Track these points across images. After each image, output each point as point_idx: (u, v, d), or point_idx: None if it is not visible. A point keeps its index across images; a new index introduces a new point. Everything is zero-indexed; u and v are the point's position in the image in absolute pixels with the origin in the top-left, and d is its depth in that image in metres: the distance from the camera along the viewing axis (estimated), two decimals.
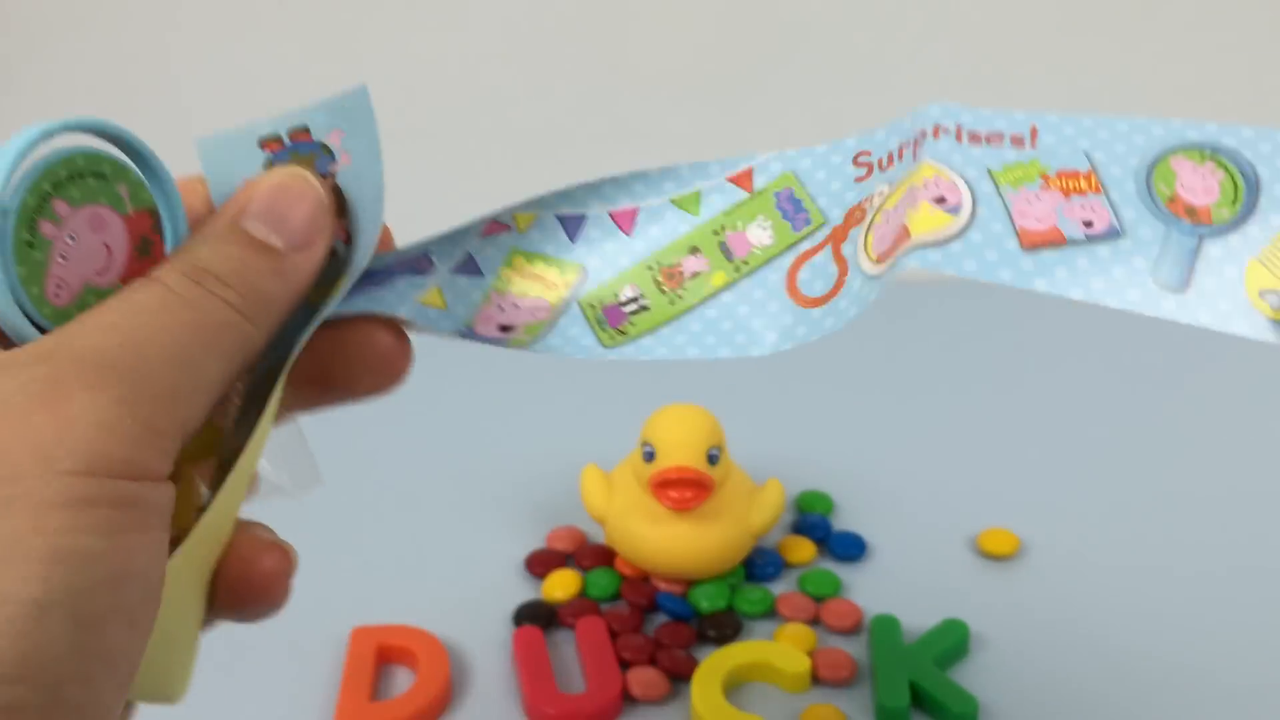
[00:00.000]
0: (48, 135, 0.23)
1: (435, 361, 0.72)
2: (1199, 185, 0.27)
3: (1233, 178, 0.27)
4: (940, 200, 0.28)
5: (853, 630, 0.49)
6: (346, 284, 0.27)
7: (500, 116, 0.80)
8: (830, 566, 0.53)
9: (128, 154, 0.25)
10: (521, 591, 0.52)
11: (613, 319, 0.30)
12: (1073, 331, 0.74)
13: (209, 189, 0.27)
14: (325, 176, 0.27)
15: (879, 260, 0.29)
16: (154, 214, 0.26)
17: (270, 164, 0.27)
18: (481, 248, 0.31)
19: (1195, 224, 0.27)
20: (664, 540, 0.49)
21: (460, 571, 0.53)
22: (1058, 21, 0.76)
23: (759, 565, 0.52)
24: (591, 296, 0.30)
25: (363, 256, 0.27)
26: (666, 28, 0.77)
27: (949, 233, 0.28)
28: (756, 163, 0.30)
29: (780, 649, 0.47)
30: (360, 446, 0.62)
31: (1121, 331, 0.74)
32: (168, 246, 0.26)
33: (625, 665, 0.47)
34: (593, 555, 0.53)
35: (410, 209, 0.86)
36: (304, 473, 0.30)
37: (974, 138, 0.28)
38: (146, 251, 0.26)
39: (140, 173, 0.26)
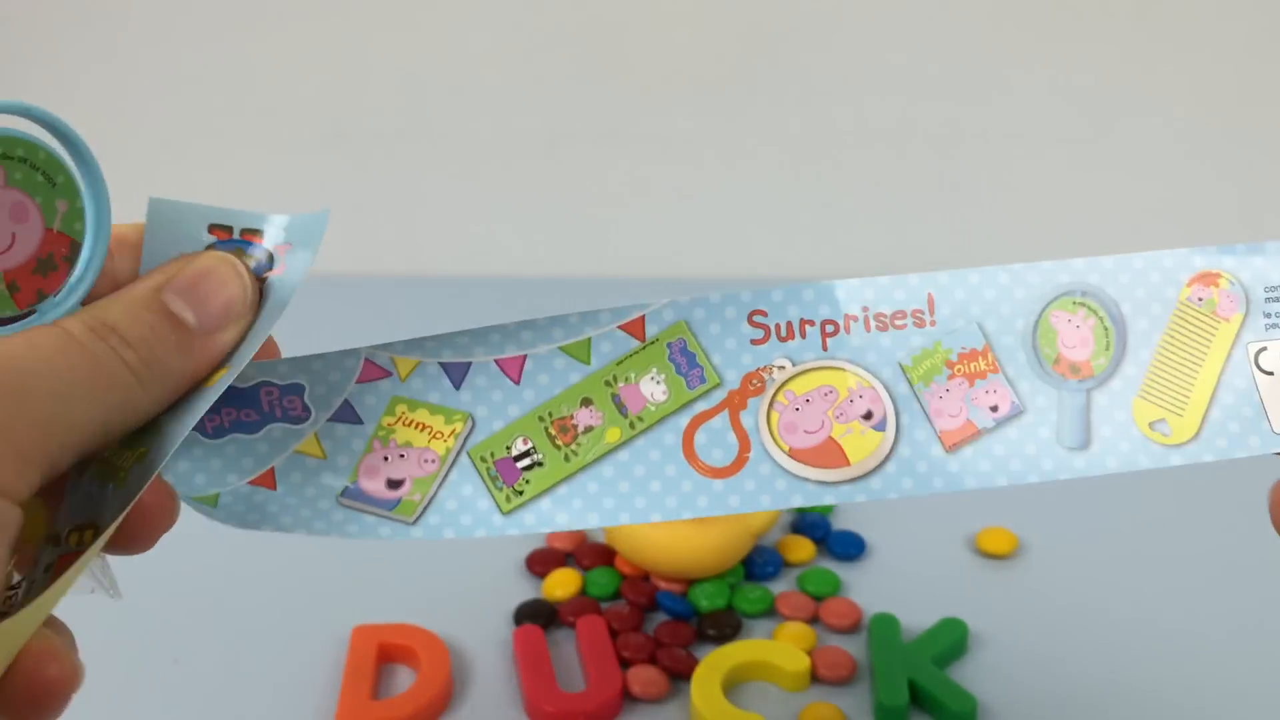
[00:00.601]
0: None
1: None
2: (1076, 340, 0.29)
3: (1102, 322, 0.29)
4: (868, 416, 0.30)
5: (852, 629, 0.49)
6: (226, 377, 0.27)
7: (500, 116, 0.80)
8: (829, 565, 0.53)
9: (76, 159, 0.26)
10: (522, 590, 0.52)
11: (507, 476, 0.29)
12: None
13: (143, 246, 0.27)
14: (257, 277, 0.28)
15: (804, 462, 0.30)
16: (74, 246, 0.26)
17: (210, 249, 0.27)
18: (359, 395, 0.30)
19: (1080, 380, 0.29)
20: (664, 539, 0.49)
21: (461, 570, 0.53)
22: (1057, 22, 0.76)
23: (758, 564, 0.52)
24: (481, 448, 0.30)
25: (245, 355, 0.27)
26: (666, 28, 0.77)
27: (883, 454, 0.29)
28: (649, 310, 0.30)
29: (780, 648, 0.47)
30: None
31: None
32: (75, 273, 0.26)
33: (625, 664, 0.47)
34: (593, 554, 0.53)
35: (410, 209, 0.87)
36: (111, 582, 0.29)
37: (880, 322, 0.31)
38: (44, 270, 0.26)
39: (82, 187, 0.26)
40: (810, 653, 0.47)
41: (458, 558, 0.54)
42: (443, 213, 0.83)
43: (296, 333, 0.83)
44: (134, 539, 0.27)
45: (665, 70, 0.78)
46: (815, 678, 0.47)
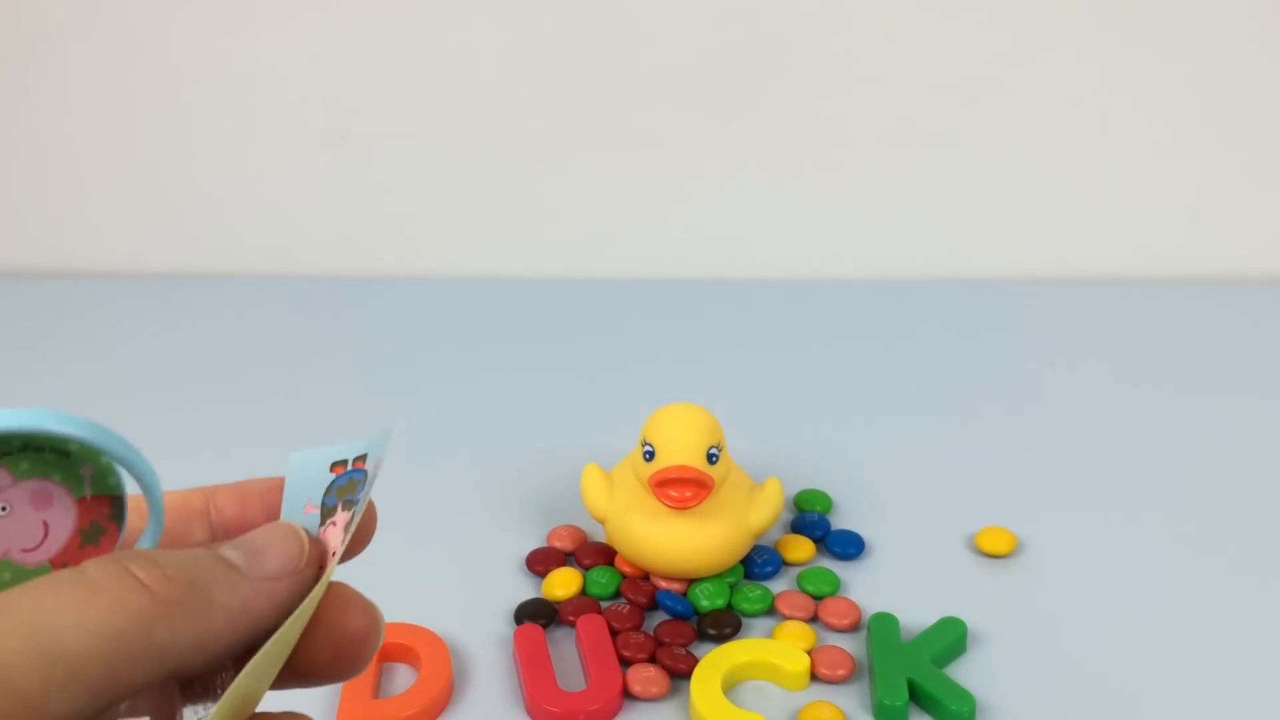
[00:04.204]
0: (20, 429, 0.22)
1: (435, 361, 0.72)
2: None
3: None
4: None
5: (851, 628, 0.49)
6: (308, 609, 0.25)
7: (500, 117, 0.80)
8: (829, 565, 0.53)
9: (120, 462, 0.24)
10: (522, 590, 0.52)
11: None
12: (1071, 331, 0.74)
13: (284, 496, 0.27)
14: (350, 504, 0.27)
15: None
16: (114, 501, 0.24)
17: (333, 486, 0.27)
18: None
19: None
20: (664, 539, 0.49)
21: (461, 570, 0.53)
22: (1056, 21, 0.76)
23: (758, 563, 0.52)
24: None
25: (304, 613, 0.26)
26: (667, 28, 0.77)
27: None
28: None
29: (779, 647, 0.47)
30: None
31: (1119, 331, 0.74)
32: (145, 534, 0.25)
33: (625, 663, 0.47)
34: (593, 554, 0.53)
35: (411, 209, 0.87)
36: None
37: None
38: (93, 539, 0.24)
39: (121, 469, 0.24)
40: (810, 652, 0.47)
41: (458, 558, 0.54)
42: (443, 213, 0.83)
43: (297, 332, 0.83)
44: (344, 666, 0.26)
45: (666, 70, 0.78)
46: (815, 677, 0.47)
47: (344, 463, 0.28)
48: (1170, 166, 0.79)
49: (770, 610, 0.50)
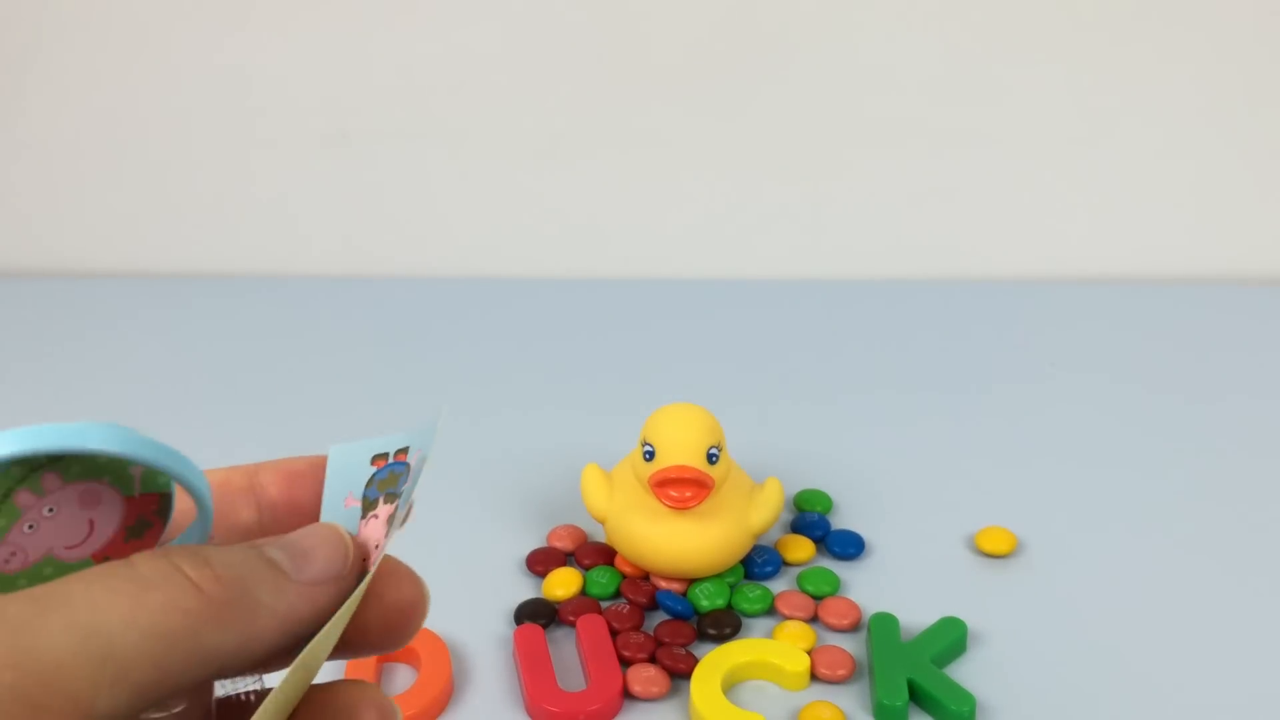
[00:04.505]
0: (70, 451, 0.22)
1: (435, 361, 0.72)
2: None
3: None
4: None
5: (851, 628, 0.49)
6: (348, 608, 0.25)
7: (501, 117, 0.80)
8: (829, 565, 0.53)
9: (169, 474, 0.23)
10: (522, 590, 0.52)
11: None
12: (1071, 331, 0.74)
13: (325, 489, 0.27)
14: (392, 497, 0.27)
15: None
16: (163, 497, 0.24)
17: (374, 479, 0.27)
18: None
19: None
20: (664, 539, 0.49)
21: (461, 570, 0.53)
22: (1055, 21, 0.76)
23: (758, 563, 0.52)
24: None
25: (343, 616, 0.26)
26: (667, 28, 0.77)
27: None
28: None
29: (779, 647, 0.47)
30: None
31: (1119, 331, 0.74)
32: (192, 526, 0.25)
33: (625, 663, 0.47)
34: (593, 554, 0.53)
35: (411, 209, 0.87)
36: None
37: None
38: (139, 533, 0.24)
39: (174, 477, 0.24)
40: (810, 652, 0.47)
41: (458, 558, 0.54)
42: (443, 213, 0.83)
43: (297, 333, 0.83)
44: (393, 637, 0.26)
45: (666, 71, 0.78)
46: (815, 677, 0.47)
47: (385, 455, 0.27)
48: (1170, 166, 0.79)
49: (770, 610, 0.50)
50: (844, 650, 0.47)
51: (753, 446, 0.58)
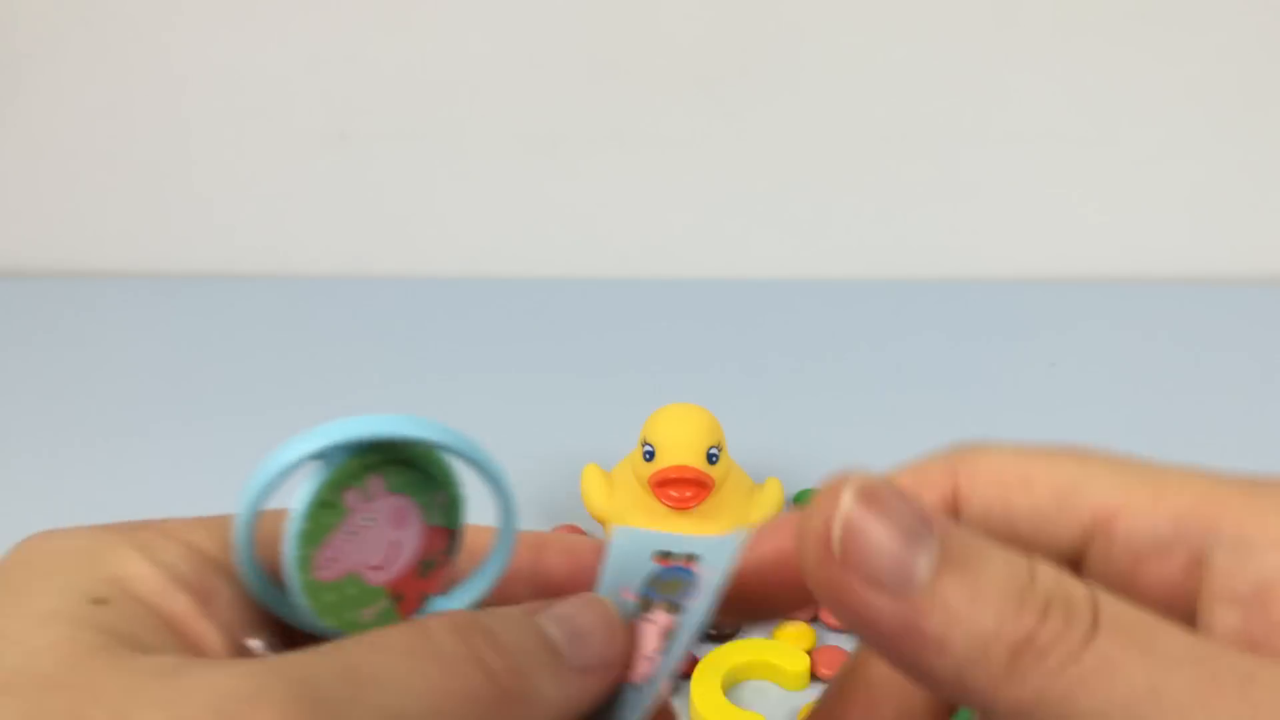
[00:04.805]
0: (398, 438, 0.22)
1: (435, 361, 0.72)
2: None
3: None
4: None
5: None
6: None
7: (501, 117, 0.80)
8: None
9: (494, 486, 0.23)
10: None
11: None
12: (1071, 331, 0.74)
13: (603, 572, 0.25)
14: (674, 608, 0.25)
15: None
16: (451, 537, 0.23)
17: (655, 577, 0.25)
18: None
19: None
20: None
21: None
22: (1056, 20, 0.76)
23: None
24: None
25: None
26: (667, 28, 0.77)
27: None
28: None
29: (779, 647, 0.47)
30: None
31: (1119, 331, 0.74)
32: (478, 574, 0.24)
33: None
34: None
35: (411, 209, 0.87)
36: None
37: None
38: (426, 571, 0.23)
39: (498, 499, 0.24)
40: (810, 652, 0.47)
41: None
42: (443, 213, 0.83)
43: (296, 333, 0.83)
44: None
45: (666, 70, 0.78)
46: (815, 677, 0.47)
47: (668, 555, 0.26)
48: (1170, 166, 0.79)
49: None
50: (844, 650, 0.47)
51: (753, 446, 0.58)
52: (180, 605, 0.21)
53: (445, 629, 0.21)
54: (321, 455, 0.21)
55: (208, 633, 0.21)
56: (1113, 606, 0.19)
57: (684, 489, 0.48)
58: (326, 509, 0.21)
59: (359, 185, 0.82)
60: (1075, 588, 0.19)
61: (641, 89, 0.79)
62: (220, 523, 0.22)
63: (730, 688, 0.46)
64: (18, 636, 0.19)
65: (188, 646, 0.20)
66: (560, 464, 0.59)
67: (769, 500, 0.51)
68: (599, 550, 0.25)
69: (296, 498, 0.21)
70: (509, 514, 0.24)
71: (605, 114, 0.79)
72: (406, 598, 0.23)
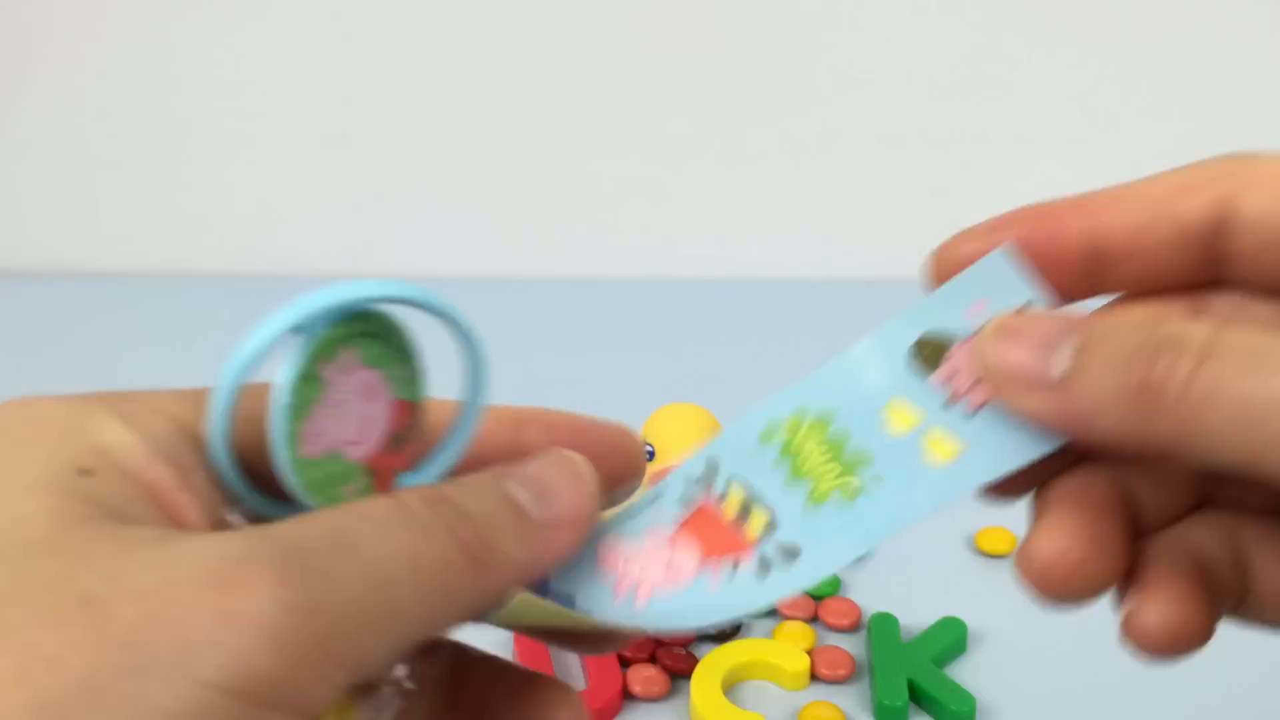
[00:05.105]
0: (379, 299, 0.22)
1: (434, 362, 0.72)
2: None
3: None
4: None
5: (851, 628, 0.49)
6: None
7: (500, 117, 0.80)
8: None
9: (465, 345, 0.24)
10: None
11: None
12: None
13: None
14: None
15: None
16: (415, 411, 0.24)
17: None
18: None
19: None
20: None
21: None
22: (1056, 21, 0.76)
23: None
24: None
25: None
26: (667, 28, 0.77)
27: None
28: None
29: (779, 647, 0.47)
30: None
31: None
32: (442, 447, 0.24)
33: (625, 663, 0.47)
34: None
35: (410, 209, 0.87)
36: None
37: None
38: (396, 448, 0.23)
39: (470, 365, 0.24)
40: (810, 652, 0.47)
41: None
42: (443, 213, 0.83)
43: None
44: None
45: (666, 70, 0.78)
46: (815, 677, 0.47)
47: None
48: (1169, 165, 0.79)
49: (770, 610, 0.50)
50: (844, 650, 0.47)
51: None
52: (163, 477, 0.21)
53: (419, 501, 0.21)
54: (300, 328, 0.21)
55: (189, 506, 0.21)
56: (1232, 335, 0.21)
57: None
58: (308, 383, 0.21)
59: (360, 185, 0.82)
60: (1191, 329, 0.21)
61: (641, 89, 0.79)
62: (199, 397, 0.22)
63: (730, 688, 0.46)
64: (3, 505, 0.19)
65: (170, 519, 0.20)
66: None
67: None
68: (579, 426, 0.26)
69: (279, 373, 0.21)
70: (478, 375, 0.24)
71: (605, 114, 0.79)
72: (380, 474, 0.23)
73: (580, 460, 0.24)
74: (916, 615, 0.49)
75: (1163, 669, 0.46)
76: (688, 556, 0.25)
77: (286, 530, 0.19)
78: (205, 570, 0.18)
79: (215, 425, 0.21)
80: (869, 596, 0.51)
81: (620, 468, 0.26)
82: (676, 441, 0.49)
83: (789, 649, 0.47)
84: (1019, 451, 0.25)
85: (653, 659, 0.47)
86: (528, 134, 0.80)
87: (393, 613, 0.20)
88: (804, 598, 0.50)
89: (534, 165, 0.81)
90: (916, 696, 0.45)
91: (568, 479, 0.24)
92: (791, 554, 0.25)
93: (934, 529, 0.55)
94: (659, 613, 0.24)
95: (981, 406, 0.25)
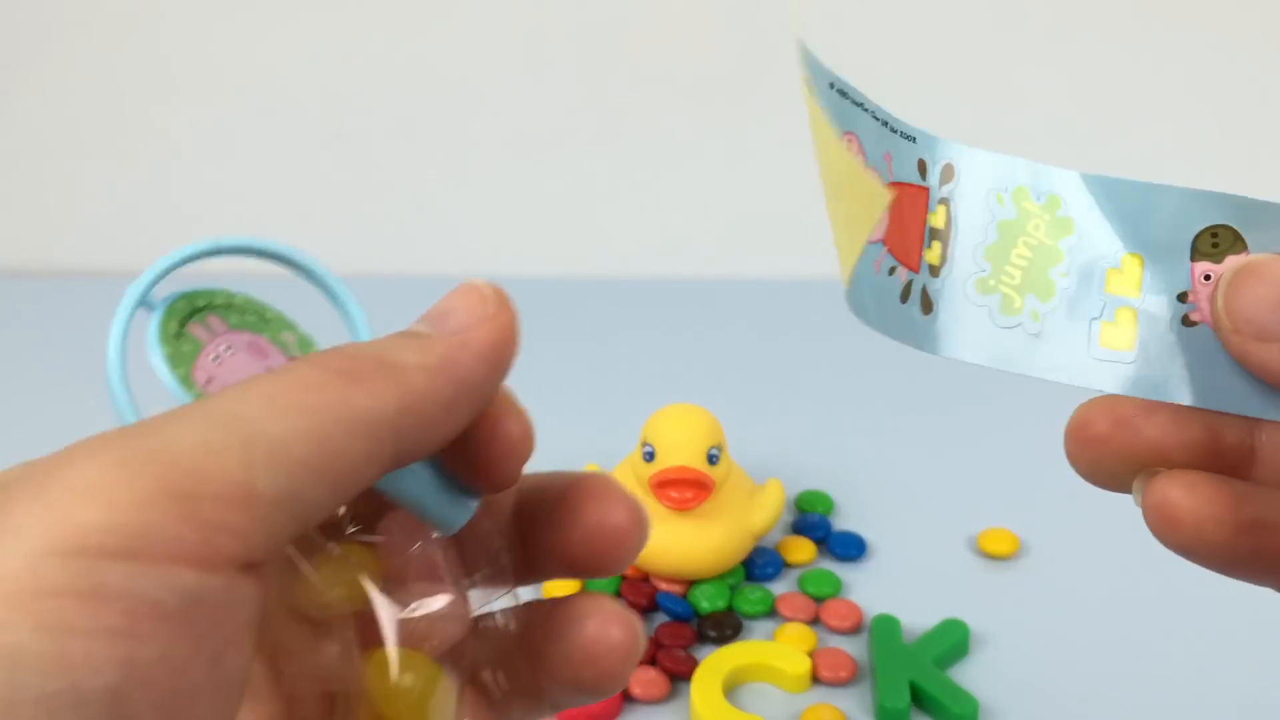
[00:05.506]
0: (224, 250, 0.24)
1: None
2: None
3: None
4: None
5: (853, 630, 0.49)
6: None
7: (500, 116, 0.79)
8: (830, 566, 0.53)
9: (320, 286, 0.26)
10: (522, 591, 0.52)
11: None
12: None
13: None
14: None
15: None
16: None
17: None
18: None
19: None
20: (664, 540, 0.49)
21: None
22: (1056, 21, 0.76)
23: (759, 565, 0.52)
24: None
25: None
26: (666, 27, 0.77)
27: None
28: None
29: (780, 649, 0.47)
30: None
31: None
32: None
33: None
34: None
35: (411, 209, 0.87)
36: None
37: None
38: None
39: (342, 304, 0.26)
40: (811, 654, 0.47)
41: None
42: (441, 212, 0.83)
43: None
44: (604, 565, 0.25)
45: (666, 70, 0.78)
46: (816, 679, 0.46)
47: None
48: (1171, 166, 0.79)
49: (771, 612, 0.50)
50: (845, 652, 0.47)
51: (753, 447, 0.58)
52: None
53: (305, 362, 0.21)
54: (146, 305, 0.23)
55: None
56: None
57: (684, 490, 0.48)
58: (179, 340, 0.24)
59: (356, 184, 0.82)
60: None
61: (641, 89, 0.78)
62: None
63: (731, 690, 0.46)
64: None
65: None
66: (559, 464, 0.59)
67: (770, 501, 0.51)
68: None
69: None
70: (341, 306, 0.26)
71: (605, 114, 0.79)
72: None
73: (477, 282, 0.24)
74: (918, 617, 0.49)
75: (1163, 669, 0.46)
76: (879, 221, 0.25)
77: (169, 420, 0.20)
78: (43, 461, 0.19)
79: (119, 413, 0.23)
80: (871, 598, 0.51)
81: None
82: (676, 441, 0.49)
83: (790, 651, 0.47)
84: (1199, 392, 0.24)
85: (653, 661, 0.47)
86: (527, 133, 0.80)
87: (254, 437, 0.19)
88: (805, 600, 0.50)
89: (533, 165, 0.81)
90: (918, 699, 0.45)
91: (462, 295, 0.23)
92: (928, 306, 0.24)
93: (936, 530, 0.55)
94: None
95: (1197, 325, 0.23)
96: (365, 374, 0.21)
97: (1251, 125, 0.78)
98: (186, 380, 0.23)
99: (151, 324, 0.23)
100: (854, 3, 0.76)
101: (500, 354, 0.23)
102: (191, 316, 0.24)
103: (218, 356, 0.23)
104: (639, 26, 0.77)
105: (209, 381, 0.23)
